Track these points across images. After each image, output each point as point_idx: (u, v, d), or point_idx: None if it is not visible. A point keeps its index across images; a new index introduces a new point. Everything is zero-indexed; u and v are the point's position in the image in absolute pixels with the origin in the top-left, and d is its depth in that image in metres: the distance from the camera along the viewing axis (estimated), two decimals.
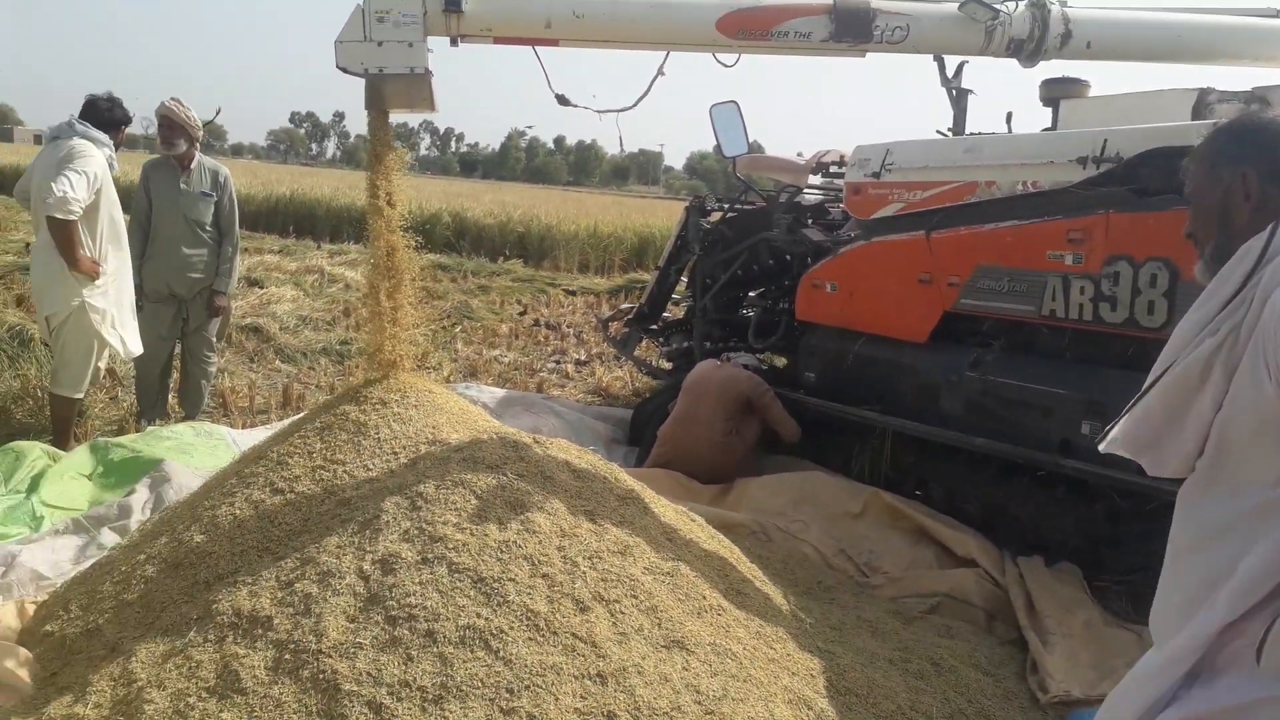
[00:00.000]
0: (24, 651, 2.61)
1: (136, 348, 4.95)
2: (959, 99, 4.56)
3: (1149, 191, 3.55)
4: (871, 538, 4.11)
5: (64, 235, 4.44)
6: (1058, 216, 3.78)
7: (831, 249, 4.95)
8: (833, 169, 5.76)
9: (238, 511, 2.75)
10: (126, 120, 4.91)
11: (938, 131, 4.76)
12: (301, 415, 3.44)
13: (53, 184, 4.36)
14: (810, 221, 5.54)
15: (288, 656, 2.24)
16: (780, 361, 6.06)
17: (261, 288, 10.19)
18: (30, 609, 2.95)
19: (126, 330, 4.89)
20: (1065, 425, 3.74)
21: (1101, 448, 1.75)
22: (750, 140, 5.74)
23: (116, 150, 4.84)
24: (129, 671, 2.35)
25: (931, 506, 4.34)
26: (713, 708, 2.29)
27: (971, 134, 4.60)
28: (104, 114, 4.78)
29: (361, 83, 3.10)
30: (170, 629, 2.46)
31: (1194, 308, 1.62)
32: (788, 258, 5.56)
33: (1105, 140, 3.69)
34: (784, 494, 4.49)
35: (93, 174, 4.51)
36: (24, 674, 2.52)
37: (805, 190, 5.89)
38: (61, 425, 4.83)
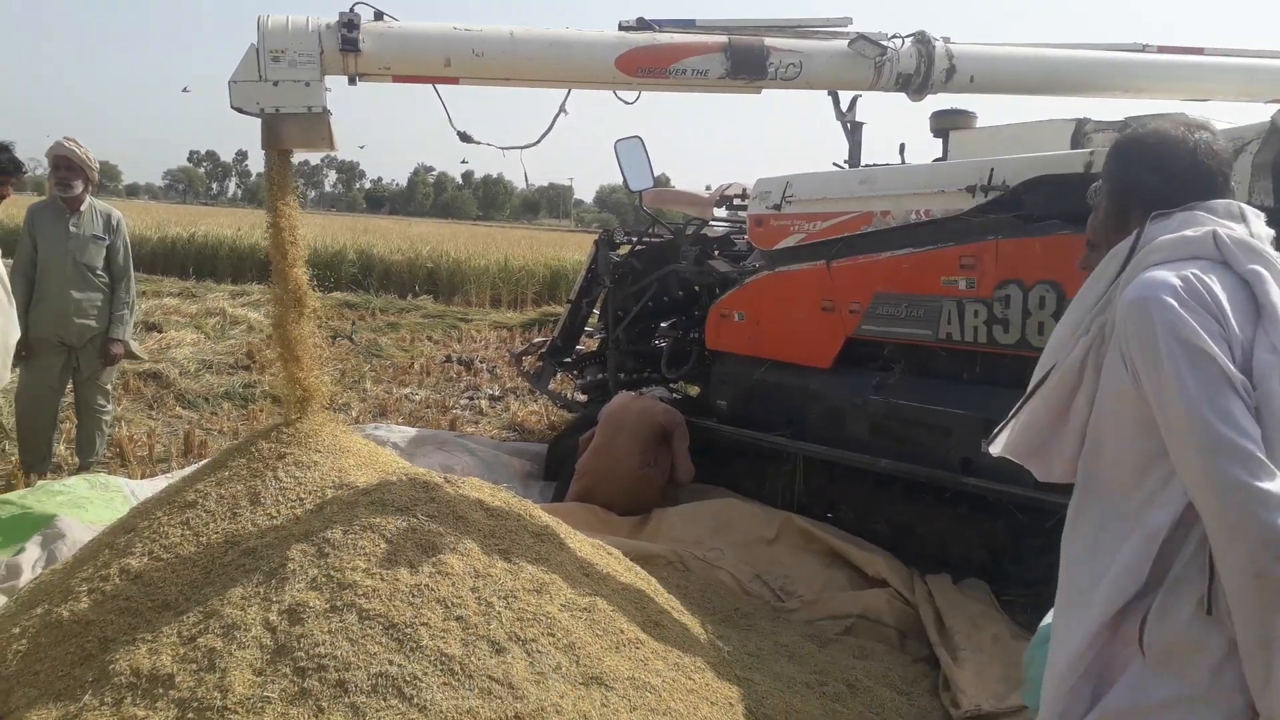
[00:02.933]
0: None
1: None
2: (854, 132, 4.71)
3: (1034, 217, 3.72)
4: (786, 562, 4.17)
5: None
6: (950, 244, 3.93)
7: (737, 279, 5.05)
8: (736, 202, 5.88)
9: (134, 566, 2.64)
10: (13, 169, 4.47)
11: (834, 164, 4.91)
12: (202, 463, 3.34)
13: None
14: (716, 253, 5.64)
15: (191, 715, 2.16)
16: (694, 391, 6.13)
17: (160, 331, 9.87)
18: None
19: None
20: (965, 444, 3.87)
21: (993, 451, 1.78)
22: (657, 174, 5.83)
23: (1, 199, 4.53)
24: None
25: (843, 528, 4.43)
26: None
27: (866, 165, 4.77)
28: None
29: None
30: (64, 694, 2.34)
31: (1068, 311, 1.67)
32: (696, 289, 5.65)
33: (992, 169, 3.86)
34: (700, 522, 4.52)
35: None
36: None
37: (711, 222, 6.00)
38: None
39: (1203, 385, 1.37)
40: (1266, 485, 1.32)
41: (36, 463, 5.10)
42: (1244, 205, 1.58)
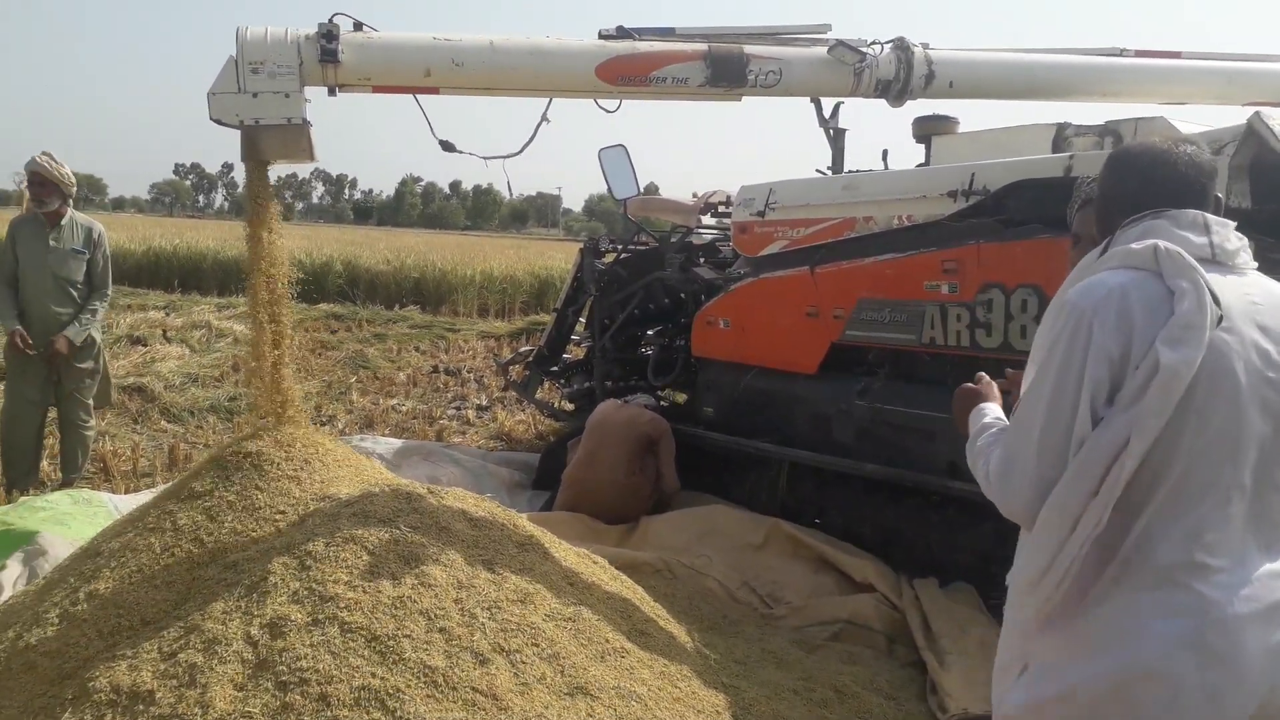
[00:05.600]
0: None
1: None
2: (836, 139, 4.72)
3: (1015, 221, 3.73)
4: (774, 568, 4.16)
5: None
6: (932, 248, 3.94)
7: (723, 286, 5.05)
8: (720, 209, 5.89)
9: (108, 588, 2.62)
10: None
11: (817, 170, 4.92)
12: (183, 476, 3.32)
13: None
14: (701, 260, 5.64)
15: None
16: (680, 398, 6.12)
17: (145, 345, 9.82)
18: None
19: None
20: (951, 448, 3.87)
21: None
22: (644, 182, 5.85)
23: None
24: None
25: (830, 534, 4.42)
26: None
27: (849, 171, 4.78)
28: None
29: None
30: (42, 712, 2.32)
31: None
32: (682, 296, 5.65)
33: (973, 174, 3.88)
34: (688, 530, 4.51)
35: None
36: None
37: (696, 230, 6.01)
38: None
39: (1061, 375, 1.59)
40: (1003, 469, 1.65)
41: (19, 479, 5.06)
42: (1209, 216, 1.67)
